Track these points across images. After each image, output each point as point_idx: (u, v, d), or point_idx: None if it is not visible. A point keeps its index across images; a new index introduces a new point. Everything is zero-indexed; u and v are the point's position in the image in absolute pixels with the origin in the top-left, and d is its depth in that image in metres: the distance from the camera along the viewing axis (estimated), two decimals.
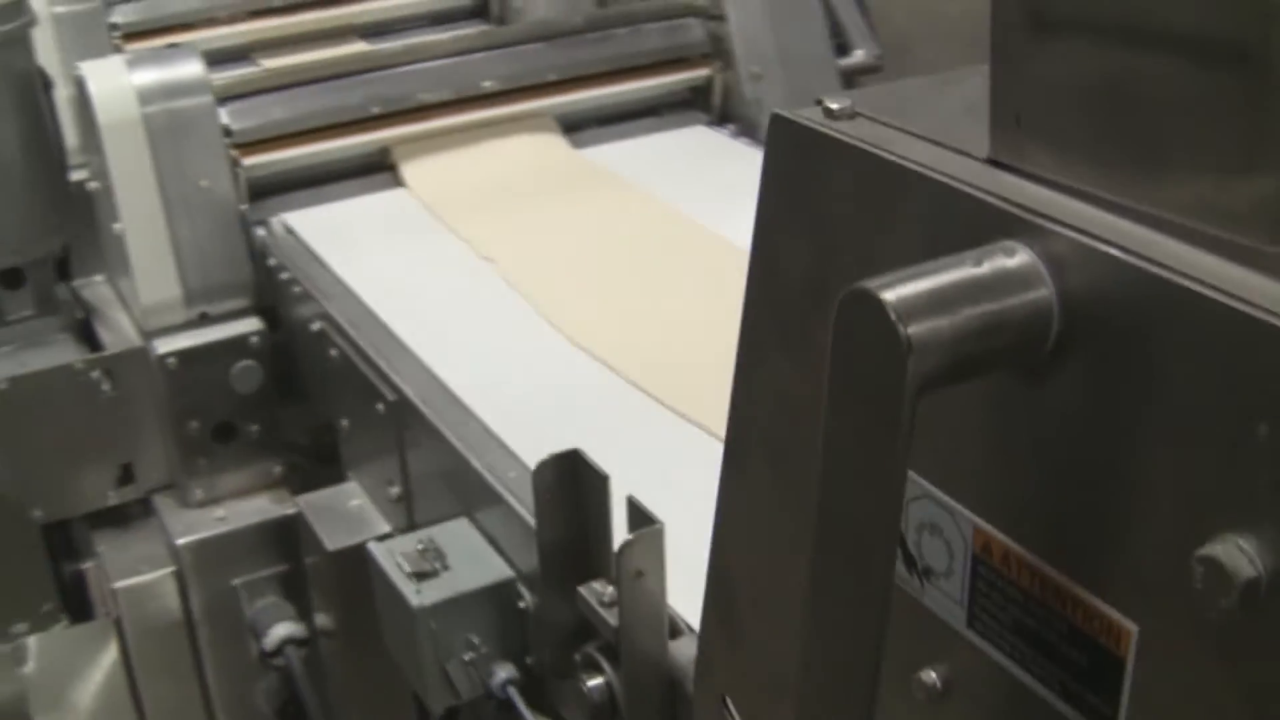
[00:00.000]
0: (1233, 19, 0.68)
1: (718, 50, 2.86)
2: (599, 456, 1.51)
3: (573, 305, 2.18)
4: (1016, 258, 0.74)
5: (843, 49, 3.01)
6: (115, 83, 2.41)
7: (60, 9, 3.15)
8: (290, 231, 2.50)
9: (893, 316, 0.69)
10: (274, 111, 2.57)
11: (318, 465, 2.48)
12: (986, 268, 0.73)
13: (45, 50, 3.07)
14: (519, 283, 2.26)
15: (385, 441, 2.05)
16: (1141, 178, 0.74)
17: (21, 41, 2.41)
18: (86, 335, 2.62)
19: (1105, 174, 0.76)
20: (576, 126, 2.84)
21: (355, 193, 2.65)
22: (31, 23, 2.44)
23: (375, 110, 2.63)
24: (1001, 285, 0.73)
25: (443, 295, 2.27)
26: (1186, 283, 0.68)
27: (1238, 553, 0.66)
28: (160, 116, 2.40)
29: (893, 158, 0.83)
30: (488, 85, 2.71)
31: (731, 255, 2.21)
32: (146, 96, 2.41)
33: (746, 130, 2.82)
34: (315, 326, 2.27)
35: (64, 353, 2.52)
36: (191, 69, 2.46)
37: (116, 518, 2.58)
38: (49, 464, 2.49)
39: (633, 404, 1.95)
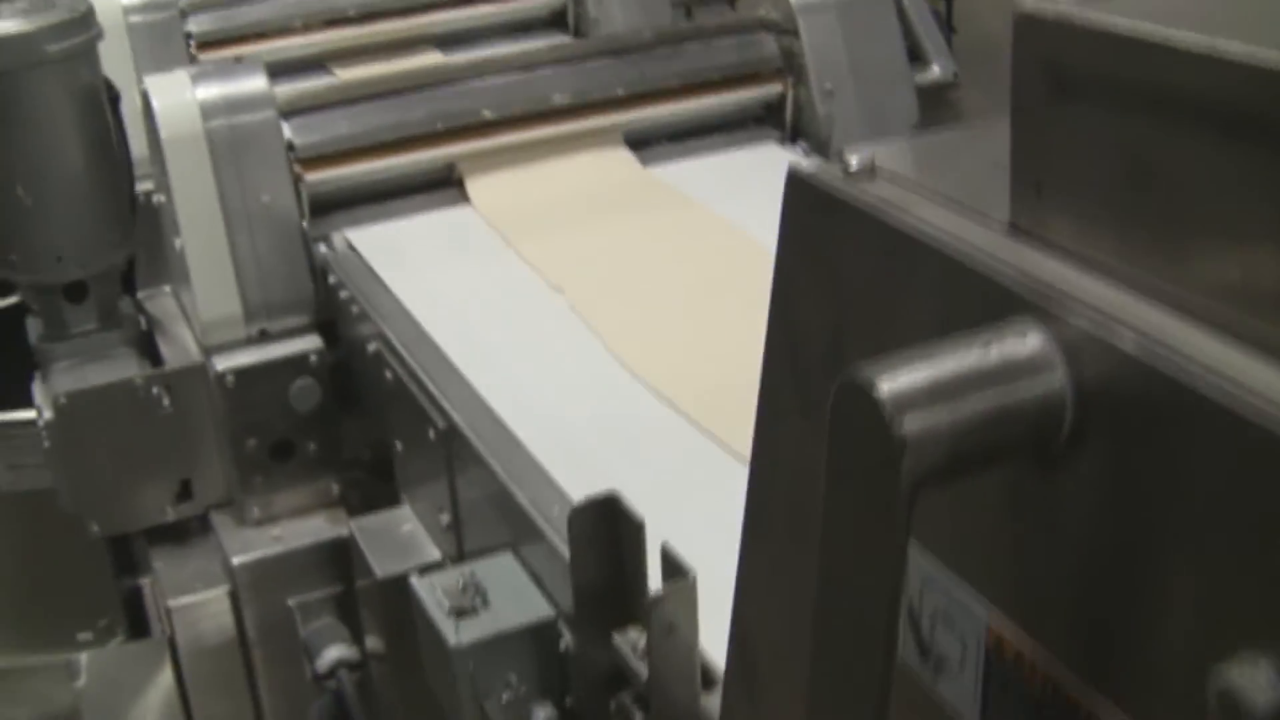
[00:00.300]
0: (1265, 92, 0.62)
1: (790, 66, 2.80)
2: (647, 494, 1.47)
3: (634, 334, 2.13)
4: (1029, 341, 0.69)
5: (919, 64, 2.95)
6: (179, 97, 2.39)
7: (136, 18, 3.17)
8: (352, 248, 2.48)
9: (886, 412, 0.64)
10: (338, 126, 2.54)
11: (378, 482, 2.46)
12: (995, 353, 0.68)
13: (120, 59, 3.10)
14: (580, 307, 2.22)
15: (436, 468, 2.02)
16: (1166, 255, 0.69)
17: (87, 55, 2.41)
18: (149, 349, 2.61)
19: (1129, 249, 0.71)
20: (646, 142, 2.79)
21: (420, 209, 2.62)
22: (98, 36, 2.44)
23: (441, 126, 2.59)
24: (1011, 373, 0.68)
25: (500, 319, 2.23)
26: (1206, 387, 0.62)
27: (1256, 678, 0.60)
28: (223, 131, 2.39)
29: (908, 227, 0.78)
30: (555, 100, 2.67)
31: None
32: (210, 111, 2.39)
33: (819, 148, 2.76)
34: (372, 347, 2.25)
35: (125, 367, 2.51)
36: (256, 83, 2.44)
37: (174, 533, 2.58)
38: (107, 478, 2.49)
39: (689, 440, 1.90)
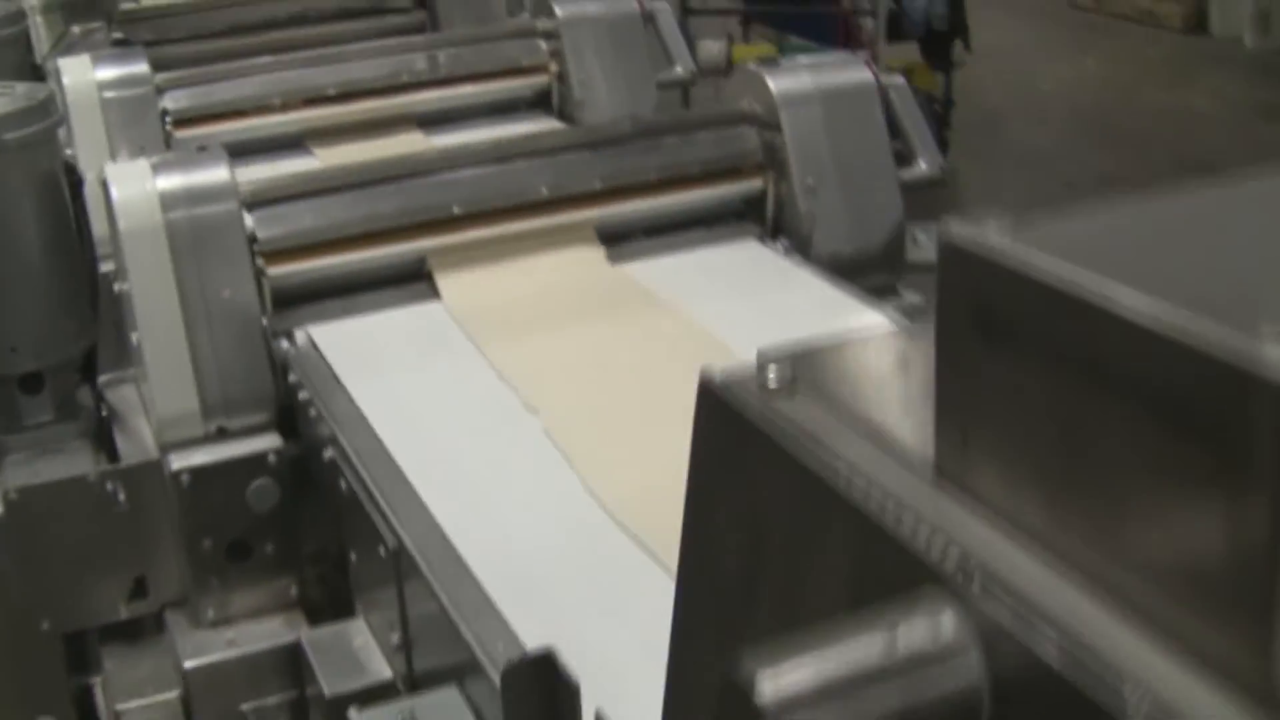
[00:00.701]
0: (1204, 381, 0.55)
1: (772, 160, 2.75)
2: (596, 636, 1.40)
3: (599, 458, 2.04)
4: (942, 624, 0.62)
5: (904, 159, 2.89)
6: (138, 187, 2.33)
7: (110, 94, 3.12)
8: (314, 346, 2.41)
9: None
10: (304, 219, 2.49)
11: (339, 578, 2.38)
12: (902, 640, 0.61)
13: (94, 136, 3.05)
14: (544, 422, 2.14)
15: (387, 585, 1.95)
16: (1096, 527, 0.62)
17: (45, 143, 2.36)
18: (107, 440, 2.54)
19: (1058, 514, 0.64)
20: (623, 237, 2.73)
21: (389, 303, 2.55)
22: (58, 122, 2.38)
23: (410, 220, 2.53)
24: (918, 664, 0.61)
25: (462, 430, 2.16)
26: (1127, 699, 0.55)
27: None
28: (183, 223, 2.33)
29: (824, 468, 0.71)
30: (529, 194, 2.61)
31: None
32: (170, 202, 2.33)
33: (800, 246, 2.70)
34: (328, 454, 2.18)
35: (79, 463, 2.44)
36: (218, 174, 2.38)
37: (128, 631, 2.50)
38: (60, 574, 2.41)
39: (648, 575, 1.82)
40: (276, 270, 2.44)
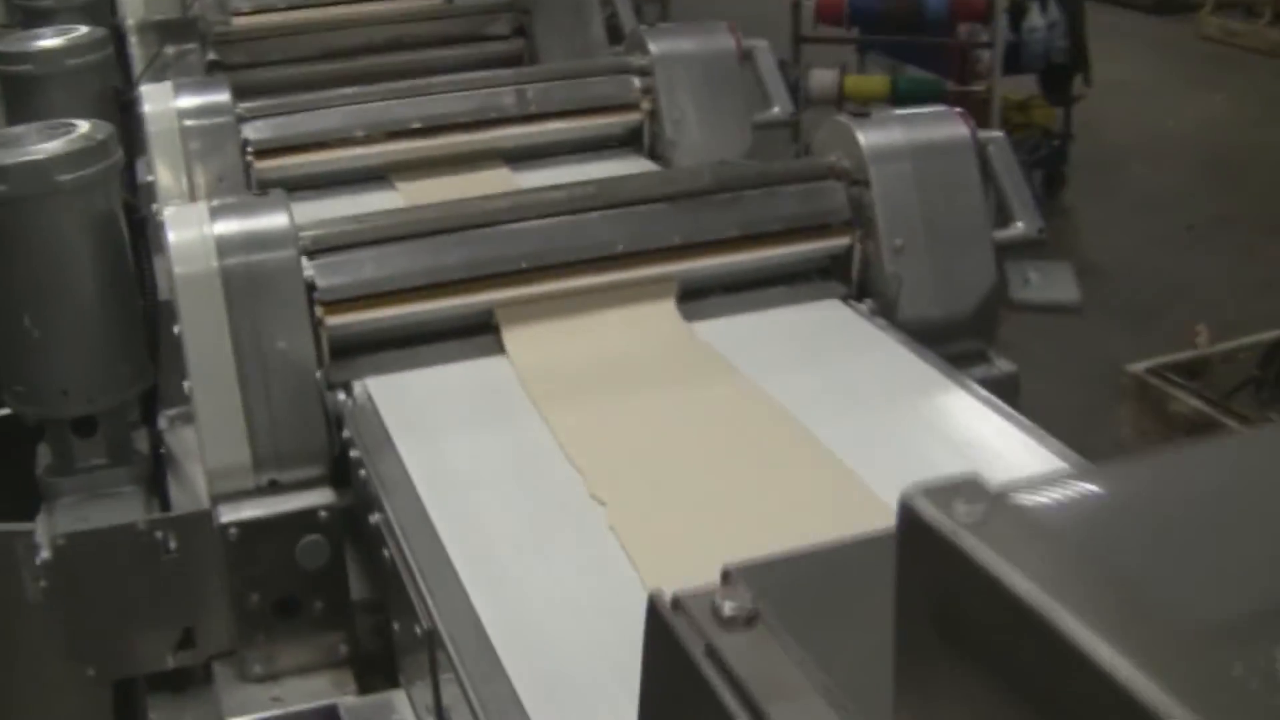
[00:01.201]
0: None
1: (860, 218, 2.63)
2: None
3: (658, 552, 1.92)
4: None
5: (1001, 218, 2.76)
6: (195, 231, 2.27)
7: (190, 123, 3.08)
8: (370, 400, 2.33)
9: None
10: (365, 268, 2.41)
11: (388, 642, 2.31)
12: None
13: (174, 165, 3.01)
14: (610, 518, 2.00)
15: (423, 663, 1.86)
16: None
17: (104, 184, 2.30)
18: (162, 484, 2.49)
19: None
20: (700, 293, 2.63)
21: (453, 356, 2.47)
22: (118, 164, 2.33)
23: (476, 273, 2.45)
24: None
25: (514, 505, 2.05)
26: None
27: None
28: (239, 270, 2.26)
29: None
30: (602, 249, 2.52)
31: (846, 485, 1.98)
32: (226, 248, 2.27)
33: (885, 308, 2.58)
34: (374, 518, 2.10)
35: (129, 509, 2.40)
36: (277, 220, 2.31)
37: (174, 680, 2.44)
38: (106, 622, 2.36)
39: None
40: (335, 320, 2.36)
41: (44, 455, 2.46)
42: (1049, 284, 6.04)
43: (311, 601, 2.33)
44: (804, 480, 2.05)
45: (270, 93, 3.78)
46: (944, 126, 2.68)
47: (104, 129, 2.33)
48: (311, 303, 2.33)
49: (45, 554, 2.30)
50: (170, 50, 3.81)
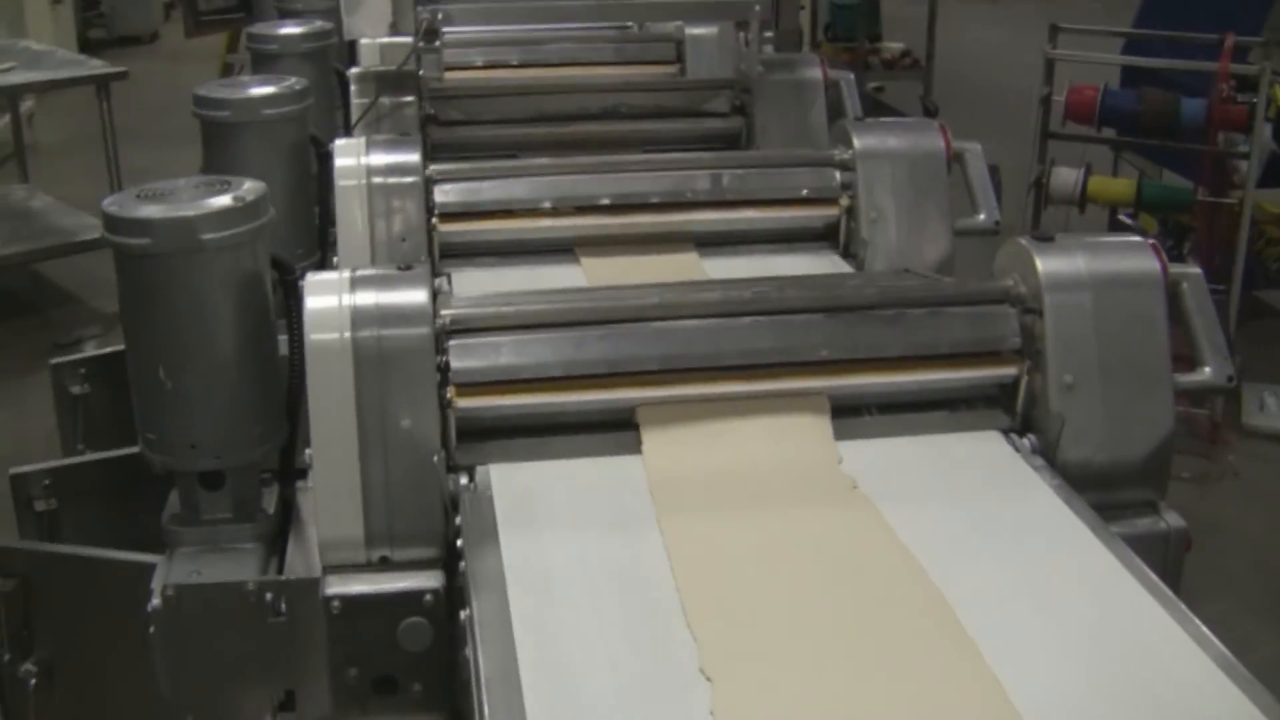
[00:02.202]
0: None
1: (1030, 348, 2.49)
2: None
3: (751, 697, 1.82)
4: None
5: (1188, 364, 2.59)
6: (333, 300, 2.26)
7: (379, 180, 3.10)
8: (489, 488, 2.28)
9: None
10: (503, 354, 2.37)
11: None
12: None
13: (357, 220, 3.03)
14: (712, 702, 1.82)
15: None
16: None
17: (251, 244, 2.31)
18: (282, 548, 2.48)
19: None
20: (854, 410, 2.51)
21: (589, 450, 2.41)
22: (267, 224, 2.34)
23: (615, 369, 2.39)
24: None
25: (605, 624, 1.97)
26: None
27: None
28: (370, 343, 2.24)
29: None
30: (748, 357, 2.44)
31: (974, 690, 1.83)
32: (361, 320, 2.25)
33: (1047, 448, 2.43)
34: (464, 614, 2.05)
35: (244, 567, 2.39)
36: (416, 296, 2.29)
37: None
38: (208, 674, 2.36)
39: None
40: (466, 404, 2.33)
41: (173, 503, 2.47)
42: None
43: (410, 683, 2.30)
44: (929, 676, 1.87)
45: (481, 150, 3.81)
46: (1132, 258, 2.52)
47: (257, 189, 2.33)
48: (442, 384, 2.30)
49: (156, 601, 2.31)
50: (387, 102, 3.85)
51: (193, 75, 3.34)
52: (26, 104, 8.59)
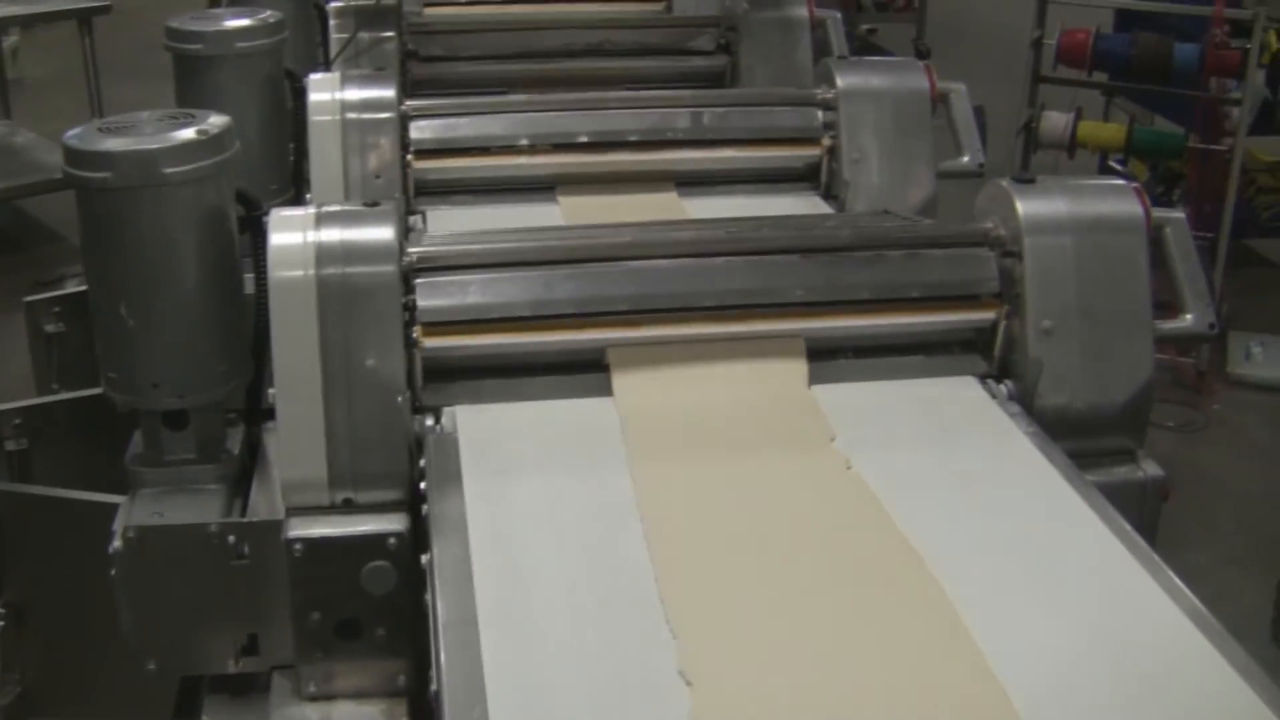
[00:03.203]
0: None
1: (1009, 292, 2.44)
2: None
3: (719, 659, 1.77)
4: None
5: (1168, 308, 2.55)
6: (297, 236, 2.21)
7: (352, 116, 3.06)
8: (454, 429, 2.25)
9: None
10: (470, 293, 2.32)
11: None
12: None
13: (331, 157, 2.98)
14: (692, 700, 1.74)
15: None
16: None
17: (214, 179, 2.26)
18: (246, 489, 2.45)
19: None
20: (832, 353, 2.47)
21: (559, 391, 2.37)
22: (231, 158, 2.29)
23: (586, 309, 2.34)
24: None
25: (563, 570, 1.93)
26: None
27: None
28: (335, 281, 2.19)
29: None
30: (721, 297, 2.39)
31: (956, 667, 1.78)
32: (326, 257, 2.20)
33: (1024, 393, 2.40)
34: (425, 558, 2.02)
35: (208, 508, 2.35)
36: (382, 233, 2.24)
37: (234, 684, 2.40)
38: (170, 619, 2.32)
39: None
40: (433, 343, 2.29)
41: (136, 443, 2.43)
42: (1273, 361, 5.70)
43: (374, 627, 2.26)
44: (900, 630, 1.83)
45: (462, 87, 3.75)
46: (1115, 201, 2.47)
47: (220, 121, 2.28)
48: (409, 323, 2.26)
49: (117, 543, 2.27)
50: (366, 36, 3.79)
51: (184, 10, 3.26)
52: (11, 39, 8.50)
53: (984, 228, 2.49)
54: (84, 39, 6.43)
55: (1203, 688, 1.73)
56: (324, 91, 3.07)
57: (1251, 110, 5.59)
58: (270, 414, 2.49)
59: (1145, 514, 2.36)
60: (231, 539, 2.28)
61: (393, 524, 2.21)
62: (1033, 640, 1.82)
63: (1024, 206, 2.43)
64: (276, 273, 2.19)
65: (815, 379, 2.40)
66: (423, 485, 2.16)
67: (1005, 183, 2.49)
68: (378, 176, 3.06)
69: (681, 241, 2.46)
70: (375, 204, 2.30)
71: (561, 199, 3.21)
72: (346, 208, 2.31)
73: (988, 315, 2.47)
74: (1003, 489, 2.15)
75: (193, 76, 3.09)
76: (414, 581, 2.21)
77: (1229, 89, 5.71)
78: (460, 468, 2.15)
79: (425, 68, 3.91)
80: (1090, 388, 2.40)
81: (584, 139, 3.23)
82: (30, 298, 3.16)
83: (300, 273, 2.19)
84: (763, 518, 2.06)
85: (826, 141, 3.28)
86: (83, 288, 2.97)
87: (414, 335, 2.27)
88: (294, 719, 2.25)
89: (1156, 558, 1.98)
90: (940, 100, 3.37)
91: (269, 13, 3.20)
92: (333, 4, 3.96)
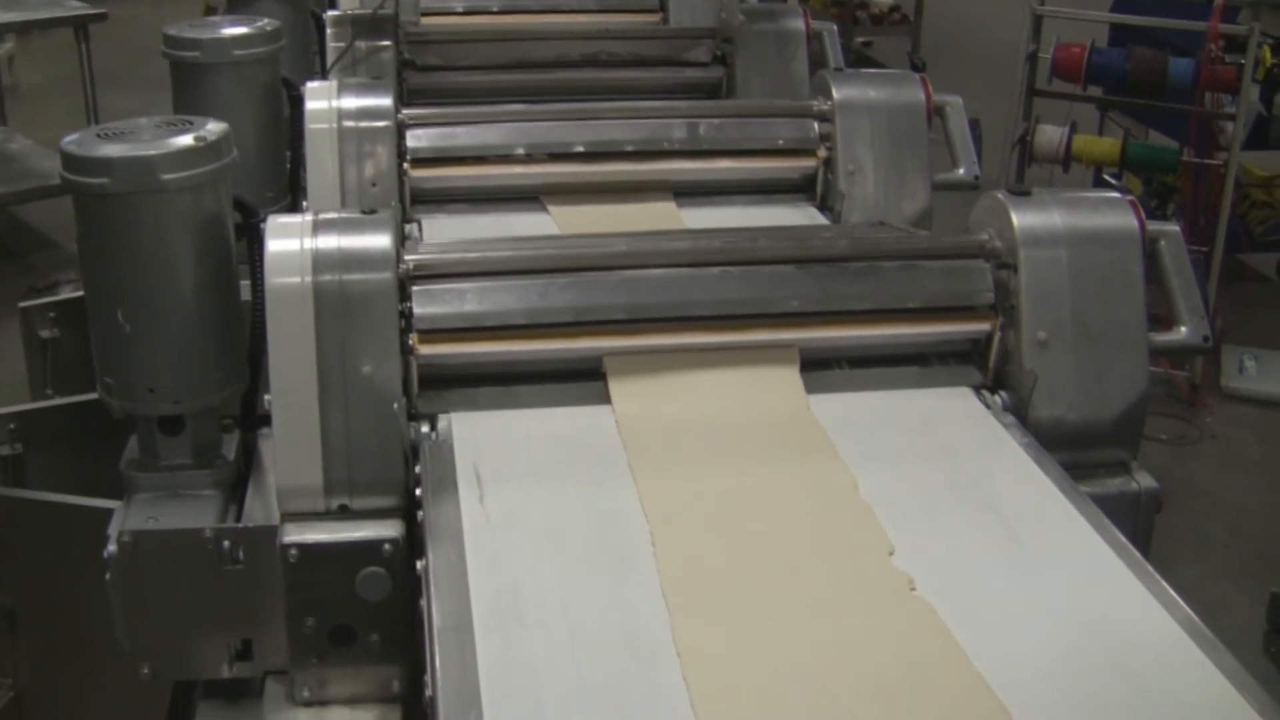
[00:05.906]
0: None
1: (1004, 304, 2.45)
2: None
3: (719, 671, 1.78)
4: None
5: (1164, 327, 2.55)
6: (294, 243, 2.21)
7: (350, 124, 3.06)
8: (450, 437, 2.25)
9: None
10: (467, 301, 2.32)
11: None
12: None
13: (327, 164, 2.98)
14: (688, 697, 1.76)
15: None
16: None
17: (212, 186, 2.26)
18: (241, 495, 2.45)
19: None
20: (827, 363, 2.48)
21: (555, 400, 2.37)
22: (230, 165, 2.29)
23: (583, 318, 2.35)
24: None
25: (561, 580, 1.93)
26: None
27: None
28: (332, 288, 2.19)
29: None
30: (717, 307, 2.40)
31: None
32: (322, 264, 2.20)
33: (1019, 406, 2.40)
34: (420, 564, 2.02)
35: (203, 514, 2.35)
36: (379, 241, 2.24)
37: (228, 689, 2.40)
38: (165, 623, 2.32)
39: None
40: (429, 350, 2.29)
41: (131, 448, 2.44)
42: (1266, 375, 5.71)
43: (368, 634, 2.26)
44: (893, 642, 1.84)
45: (458, 97, 3.76)
46: (1110, 214, 2.48)
47: (219, 129, 2.28)
48: (405, 330, 2.26)
49: (112, 548, 2.27)
50: (363, 46, 3.79)
51: (179, 18, 3.27)
52: (7, 45, 8.50)
53: (979, 240, 2.50)
54: (80, 46, 6.43)
55: (1196, 698, 1.73)
56: (321, 100, 3.07)
57: (1246, 125, 5.60)
58: (266, 420, 2.50)
59: (1139, 525, 2.37)
60: (226, 544, 2.28)
61: (388, 530, 2.21)
62: (1027, 649, 1.82)
63: (1019, 219, 2.43)
64: (273, 279, 2.19)
65: (811, 389, 2.41)
66: (418, 492, 2.16)
67: (1001, 195, 2.50)
68: (374, 184, 3.06)
69: (677, 251, 2.47)
70: (372, 211, 2.30)
71: (557, 209, 3.21)
72: (344, 215, 2.32)
73: (983, 327, 2.48)
74: (997, 500, 2.16)
75: (190, 84, 3.10)
76: (408, 588, 2.22)
77: (1223, 104, 5.72)
78: (455, 474, 2.16)
79: (421, 77, 3.92)
80: (1085, 399, 2.41)
81: (579, 149, 3.24)
82: (25, 303, 3.16)
83: (297, 279, 2.19)
84: (760, 527, 2.07)
85: (822, 153, 3.29)
86: (77, 293, 2.99)
87: (410, 342, 2.27)
88: None
89: (1150, 569, 1.98)
90: (936, 113, 3.38)
91: (266, 21, 3.21)
92: (330, 13, 3.97)
